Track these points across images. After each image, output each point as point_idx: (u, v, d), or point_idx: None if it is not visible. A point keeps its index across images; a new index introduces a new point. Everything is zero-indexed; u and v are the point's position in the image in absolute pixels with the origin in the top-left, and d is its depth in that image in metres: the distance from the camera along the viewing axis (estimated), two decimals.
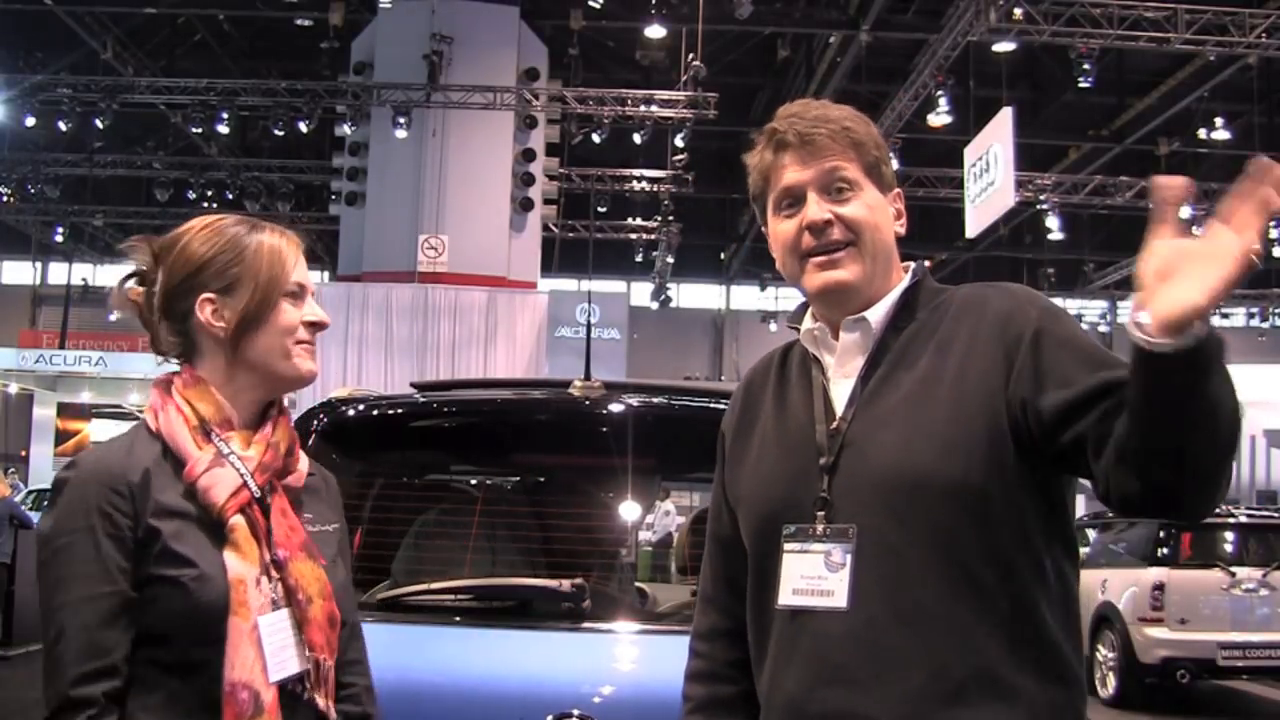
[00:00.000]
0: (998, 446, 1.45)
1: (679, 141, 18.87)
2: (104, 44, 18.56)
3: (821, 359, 1.62)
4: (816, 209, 1.56)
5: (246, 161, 23.16)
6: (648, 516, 5.39)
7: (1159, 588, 8.88)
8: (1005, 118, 14.58)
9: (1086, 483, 1.45)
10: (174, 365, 1.70)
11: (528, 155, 18.92)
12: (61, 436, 21.85)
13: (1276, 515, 10.29)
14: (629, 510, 2.79)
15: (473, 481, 3.40)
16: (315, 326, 1.70)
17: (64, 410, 22.41)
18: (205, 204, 21.71)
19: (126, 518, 1.53)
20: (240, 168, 22.68)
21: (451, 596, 2.44)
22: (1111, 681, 9.23)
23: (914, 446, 1.47)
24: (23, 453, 20.66)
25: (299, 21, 19.88)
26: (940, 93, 16.18)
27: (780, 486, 1.58)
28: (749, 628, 1.62)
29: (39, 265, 29.90)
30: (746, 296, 31.73)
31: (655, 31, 18.04)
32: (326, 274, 24.84)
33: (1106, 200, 21.07)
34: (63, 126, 18.63)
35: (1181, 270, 1.19)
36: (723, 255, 31.04)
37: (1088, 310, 30.35)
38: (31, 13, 17.81)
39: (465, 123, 18.33)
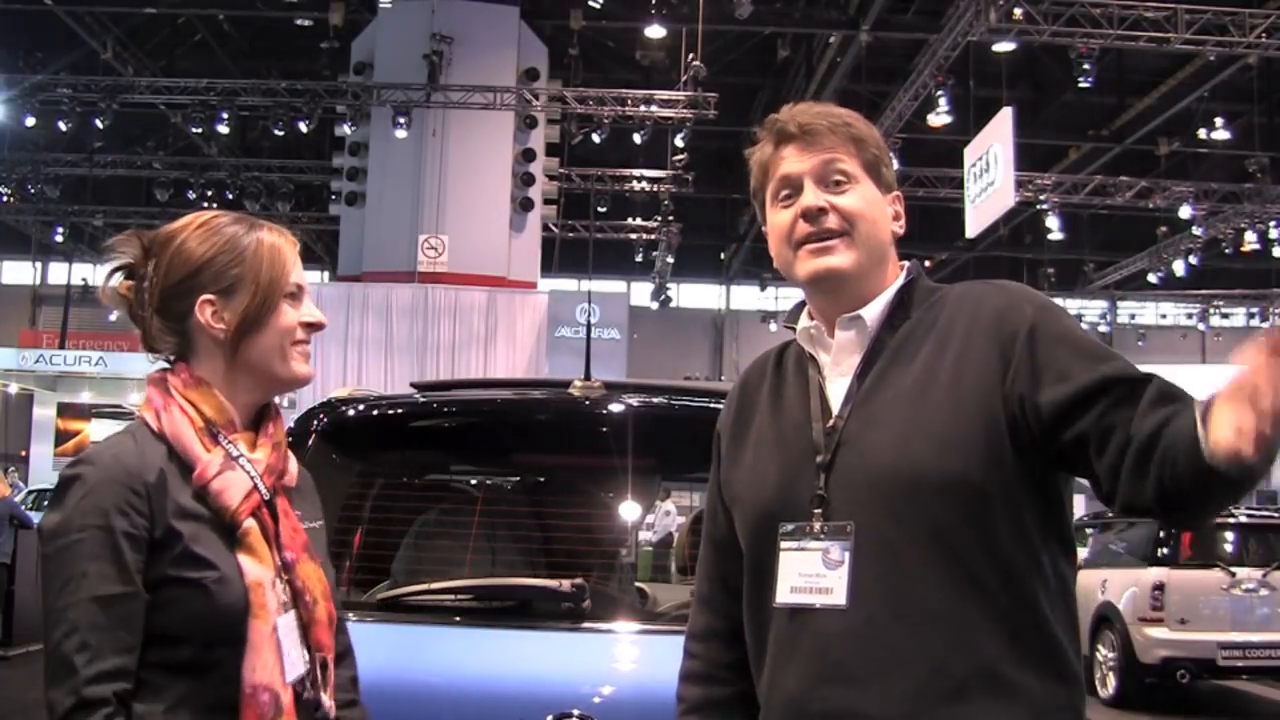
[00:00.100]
0: (995, 444, 1.45)
1: (679, 141, 18.85)
2: (104, 44, 18.56)
3: (817, 357, 1.62)
4: (812, 196, 1.57)
5: (246, 161, 23.15)
6: (648, 516, 5.39)
7: (1159, 588, 8.87)
8: (1005, 118, 14.56)
9: (1086, 483, 1.46)
10: (164, 362, 1.67)
11: (528, 155, 18.93)
12: (61, 436, 21.88)
13: (1276, 515, 10.26)
14: (629, 510, 2.78)
15: (473, 481, 3.38)
16: (312, 327, 1.69)
17: (64, 410, 22.44)
18: (205, 204, 21.64)
19: (143, 518, 1.51)
20: (240, 168, 22.66)
21: (451, 596, 2.43)
22: (1111, 681, 9.22)
23: (911, 444, 1.47)
24: (23, 453, 20.69)
25: (299, 21, 19.89)
26: (940, 93, 16.17)
27: (776, 485, 1.57)
28: (747, 627, 1.62)
29: (39, 265, 29.93)
30: (746, 296, 31.75)
31: (655, 31, 18.03)
32: (326, 274, 24.87)
33: (1106, 200, 21.10)
34: (63, 126, 18.62)
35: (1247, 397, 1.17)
36: (723, 255, 31.04)
37: (1088, 310, 30.38)
38: (31, 13, 17.79)
39: (465, 123, 18.33)
